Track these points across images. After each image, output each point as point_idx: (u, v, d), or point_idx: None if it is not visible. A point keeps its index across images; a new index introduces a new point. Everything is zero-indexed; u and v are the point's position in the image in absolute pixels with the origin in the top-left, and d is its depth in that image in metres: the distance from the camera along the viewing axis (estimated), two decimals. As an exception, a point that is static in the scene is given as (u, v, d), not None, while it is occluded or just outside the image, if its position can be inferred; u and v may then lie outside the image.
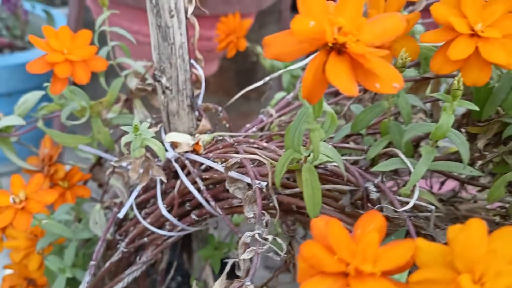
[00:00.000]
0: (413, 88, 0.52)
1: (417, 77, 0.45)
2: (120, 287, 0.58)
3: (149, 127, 0.57)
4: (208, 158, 0.52)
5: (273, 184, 0.48)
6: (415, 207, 0.46)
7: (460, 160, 0.47)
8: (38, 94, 0.64)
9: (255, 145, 0.51)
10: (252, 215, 0.44)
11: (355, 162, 0.52)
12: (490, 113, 0.45)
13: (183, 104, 0.56)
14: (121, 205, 0.59)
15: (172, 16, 0.50)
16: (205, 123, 0.56)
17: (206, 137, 0.56)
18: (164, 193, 0.57)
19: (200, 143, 0.54)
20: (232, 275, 0.44)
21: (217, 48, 0.90)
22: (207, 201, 0.52)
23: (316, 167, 0.46)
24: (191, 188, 0.53)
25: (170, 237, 0.57)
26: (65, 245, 0.65)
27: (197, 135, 0.57)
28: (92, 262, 0.56)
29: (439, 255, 0.27)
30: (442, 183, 0.59)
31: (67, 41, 0.54)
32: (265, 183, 0.48)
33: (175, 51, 0.52)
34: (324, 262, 0.28)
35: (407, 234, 0.42)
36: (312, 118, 0.38)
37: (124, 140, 0.49)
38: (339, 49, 0.31)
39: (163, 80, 0.54)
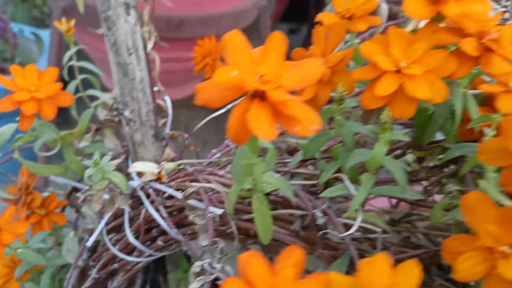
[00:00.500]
0: (364, 115, 0.54)
1: (356, 106, 0.48)
2: (94, 311, 0.60)
3: (119, 155, 0.59)
4: (170, 187, 0.55)
5: (232, 210, 0.51)
6: (365, 229, 0.49)
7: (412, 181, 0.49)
8: (13, 126, 0.66)
9: (213, 174, 0.53)
10: (205, 244, 0.47)
11: (313, 186, 0.55)
12: (430, 138, 0.47)
13: (147, 134, 0.58)
14: (92, 232, 0.61)
15: (130, 54, 0.53)
16: (169, 152, 0.59)
17: (170, 165, 0.58)
18: (132, 220, 0.59)
19: (163, 172, 0.57)
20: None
21: (194, 70, 0.93)
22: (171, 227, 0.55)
23: (269, 194, 0.49)
24: (155, 215, 0.55)
25: (139, 262, 0.60)
26: (43, 270, 0.68)
27: (163, 163, 0.59)
28: (65, 289, 0.58)
29: (350, 287, 0.30)
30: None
31: (34, 79, 0.56)
32: (222, 210, 0.50)
33: (135, 86, 0.55)
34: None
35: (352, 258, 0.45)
36: (251, 154, 0.40)
37: (86, 173, 0.52)
38: (261, 96, 0.33)
39: (126, 113, 0.56)
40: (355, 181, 0.49)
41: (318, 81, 0.45)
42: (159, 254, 0.60)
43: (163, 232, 0.58)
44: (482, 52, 0.39)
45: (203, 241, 0.47)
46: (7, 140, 0.67)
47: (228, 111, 0.36)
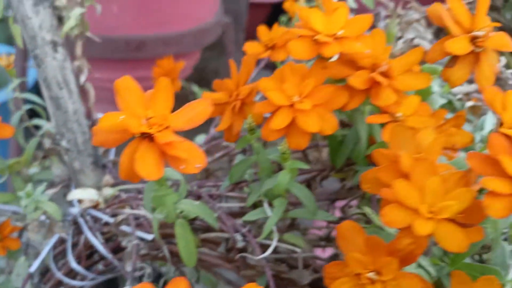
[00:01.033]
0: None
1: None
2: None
3: (65, 181, 0.61)
4: (106, 213, 0.57)
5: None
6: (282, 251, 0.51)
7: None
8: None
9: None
10: (130, 270, 0.49)
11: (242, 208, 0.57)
12: (342, 162, 0.50)
13: (86, 162, 0.61)
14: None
15: (61, 89, 0.55)
16: (107, 178, 0.61)
17: (109, 192, 0.60)
18: (76, 245, 0.62)
19: (101, 198, 0.59)
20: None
21: (154, 90, 0.95)
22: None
23: (194, 219, 0.51)
24: (94, 241, 0.58)
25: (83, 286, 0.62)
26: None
27: (104, 189, 0.62)
28: (12, 314, 0.61)
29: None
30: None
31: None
32: (152, 236, 0.53)
33: (70, 117, 0.57)
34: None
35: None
36: (159, 186, 0.43)
37: (23, 203, 0.54)
38: (150, 137, 0.36)
39: (63, 143, 0.59)
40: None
41: (232, 112, 0.48)
42: (104, 277, 0.62)
43: (104, 257, 0.60)
44: (372, 84, 0.42)
45: (128, 267, 0.50)
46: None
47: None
